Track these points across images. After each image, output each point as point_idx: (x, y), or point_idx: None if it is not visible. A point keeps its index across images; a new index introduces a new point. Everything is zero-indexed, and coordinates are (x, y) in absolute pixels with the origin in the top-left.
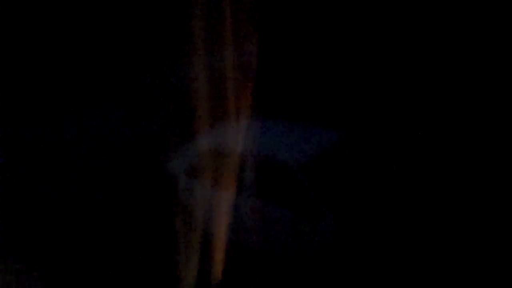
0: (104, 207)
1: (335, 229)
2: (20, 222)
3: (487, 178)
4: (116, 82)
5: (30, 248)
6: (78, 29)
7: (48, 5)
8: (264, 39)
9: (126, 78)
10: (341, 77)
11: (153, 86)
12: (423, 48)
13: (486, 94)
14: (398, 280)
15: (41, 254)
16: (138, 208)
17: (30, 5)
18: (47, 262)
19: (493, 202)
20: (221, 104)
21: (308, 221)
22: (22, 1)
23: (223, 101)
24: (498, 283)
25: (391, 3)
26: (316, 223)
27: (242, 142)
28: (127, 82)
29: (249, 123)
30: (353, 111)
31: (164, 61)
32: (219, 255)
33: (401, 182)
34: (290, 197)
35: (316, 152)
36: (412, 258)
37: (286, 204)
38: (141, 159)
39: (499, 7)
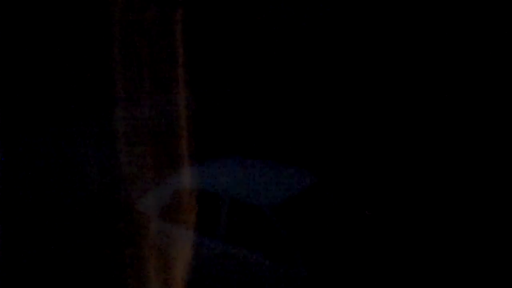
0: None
1: (307, 274)
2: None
3: (467, 226)
4: (86, 117)
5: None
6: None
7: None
8: (239, 76)
9: (96, 112)
10: (319, 120)
11: (123, 122)
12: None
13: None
14: None
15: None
16: (110, 249)
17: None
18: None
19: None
20: (193, 142)
21: (281, 264)
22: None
23: (195, 139)
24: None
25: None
26: (288, 267)
27: (215, 182)
28: (97, 117)
29: (222, 163)
30: (328, 154)
31: (133, 97)
32: None
33: (374, 228)
34: (262, 240)
35: (289, 194)
36: None
37: (258, 247)
38: (112, 199)
39: (499, 7)
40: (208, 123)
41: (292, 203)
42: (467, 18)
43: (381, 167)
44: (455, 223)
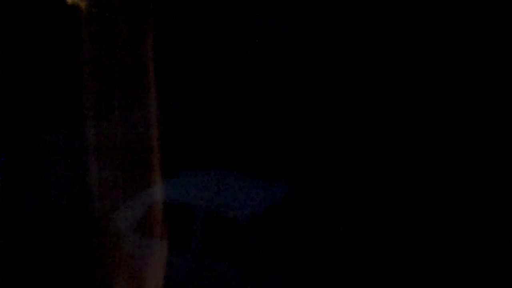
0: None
1: (282, 286)
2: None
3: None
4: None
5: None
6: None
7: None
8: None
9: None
10: (294, 132)
11: (94, 137)
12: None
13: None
14: None
15: None
16: (82, 266)
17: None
18: None
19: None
20: (167, 156)
21: (255, 279)
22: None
23: (169, 153)
24: None
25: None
26: (263, 280)
27: (190, 195)
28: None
29: (196, 176)
30: (304, 167)
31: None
32: None
33: (349, 241)
34: (237, 253)
35: (264, 206)
36: None
37: (233, 260)
38: (84, 214)
39: (499, 7)
40: (182, 136)
41: (267, 215)
42: (466, 17)
43: (356, 178)
44: (439, 237)
